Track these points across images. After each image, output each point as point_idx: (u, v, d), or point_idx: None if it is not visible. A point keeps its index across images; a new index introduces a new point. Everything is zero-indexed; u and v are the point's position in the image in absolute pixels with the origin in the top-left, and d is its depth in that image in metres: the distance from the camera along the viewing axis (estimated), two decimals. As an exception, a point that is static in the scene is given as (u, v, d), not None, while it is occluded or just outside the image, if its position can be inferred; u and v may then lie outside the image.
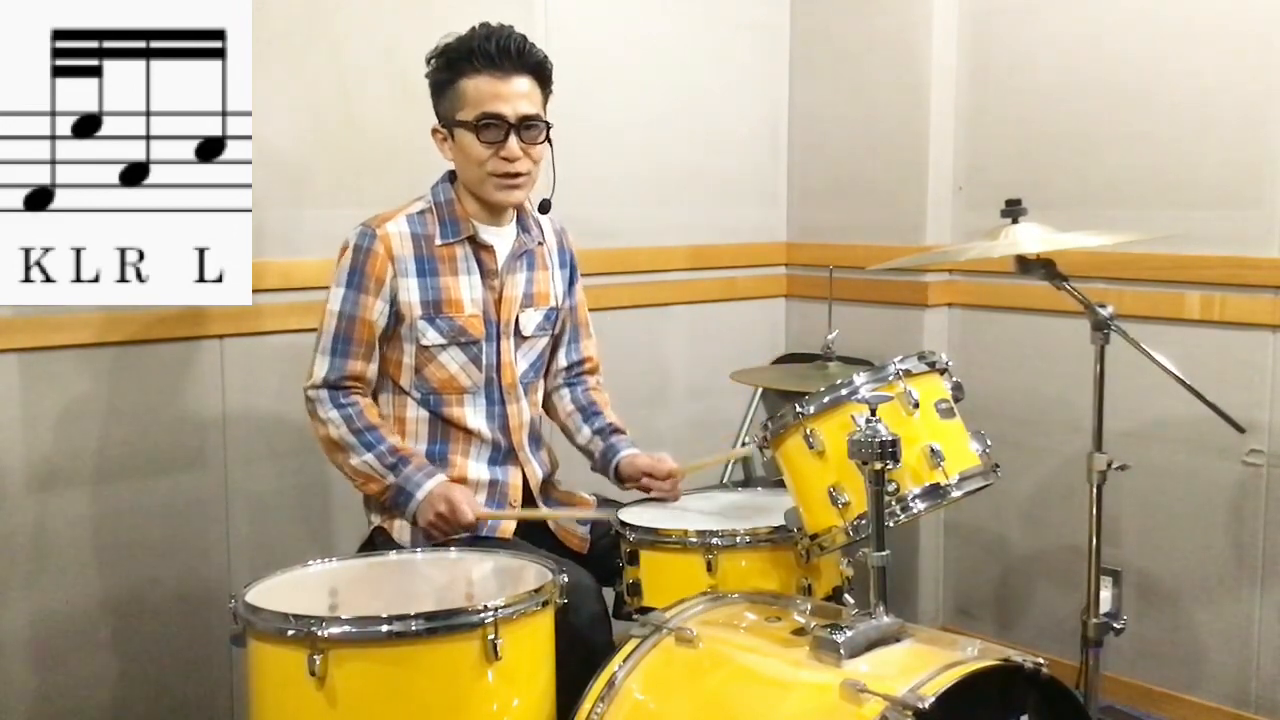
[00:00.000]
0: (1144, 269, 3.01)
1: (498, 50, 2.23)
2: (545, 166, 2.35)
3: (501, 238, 2.36)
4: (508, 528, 2.31)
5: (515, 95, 2.25)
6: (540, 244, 2.44)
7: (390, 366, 2.33)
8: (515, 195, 2.31)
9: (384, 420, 2.32)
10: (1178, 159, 2.98)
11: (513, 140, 2.25)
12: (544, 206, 2.41)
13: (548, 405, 2.55)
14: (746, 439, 3.55)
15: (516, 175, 2.28)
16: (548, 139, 2.31)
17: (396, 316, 2.29)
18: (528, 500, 2.38)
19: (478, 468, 2.34)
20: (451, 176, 2.37)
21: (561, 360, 2.54)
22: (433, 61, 2.31)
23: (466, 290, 2.32)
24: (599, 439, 2.48)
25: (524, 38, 2.28)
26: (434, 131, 2.34)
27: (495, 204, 2.33)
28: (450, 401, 2.33)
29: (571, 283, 2.53)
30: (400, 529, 2.30)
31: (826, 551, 2.10)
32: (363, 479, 2.27)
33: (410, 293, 2.28)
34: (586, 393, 2.55)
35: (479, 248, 2.33)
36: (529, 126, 2.27)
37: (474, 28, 2.28)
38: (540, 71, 2.30)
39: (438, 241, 2.31)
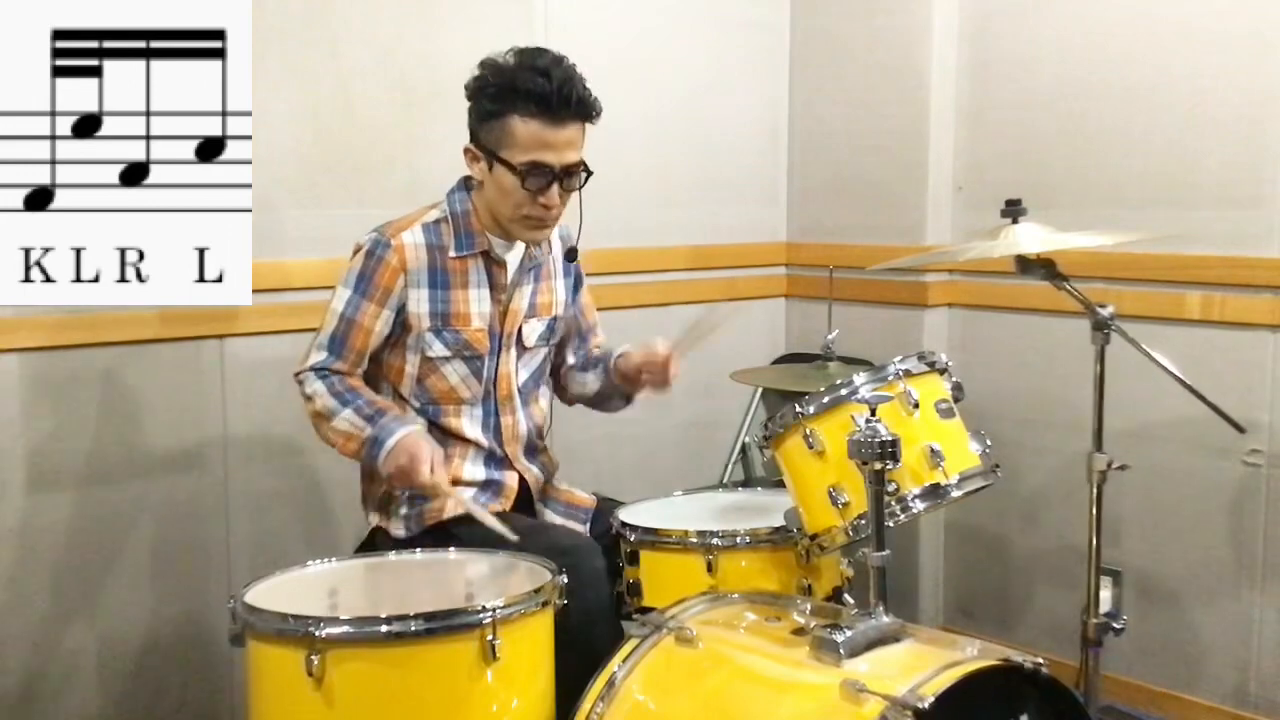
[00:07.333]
0: (1144, 269, 3.01)
1: (558, 100, 2.15)
2: (572, 207, 2.30)
3: (514, 252, 2.34)
4: None
5: (564, 144, 2.19)
6: (548, 254, 2.43)
7: (392, 373, 2.32)
8: (543, 234, 2.30)
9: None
10: (1178, 159, 2.97)
11: (554, 188, 2.21)
12: (570, 255, 2.41)
13: (567, 396, 2.56)
14: (747, 439, 3.55)
15: (548, 219, 2.25)
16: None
17: (403, 326, 2.28)
18: (525, 500, 2.38)
19: (474, 469, 2.33)
20: (466, 184, 2.32)
21: (570, 360, 2.54)
22: (477, 82, 2.21)
23: (475, 304, 2.30)
24: (598, 370, 2.48)
25: (583, 83, 2.20)
26: (466, 150, 2.27)
27: (520, 240, 2.31)
28: (448, 412, 2.32)
29: (576, 288, 2.51)
30: (398, 528, 2.30)
31: (826, 551, 2.10)
32: (344, 439, 2.21)
33: (420, 304, 2.26)
34: (587, 357, 2.54)
35: (492, 262, 2.31)
36: (571, 174, 2.23)
37: (526, 55, 2.19)
38: (591, 118, 2.23)
39: (451, 254, 2.28)
